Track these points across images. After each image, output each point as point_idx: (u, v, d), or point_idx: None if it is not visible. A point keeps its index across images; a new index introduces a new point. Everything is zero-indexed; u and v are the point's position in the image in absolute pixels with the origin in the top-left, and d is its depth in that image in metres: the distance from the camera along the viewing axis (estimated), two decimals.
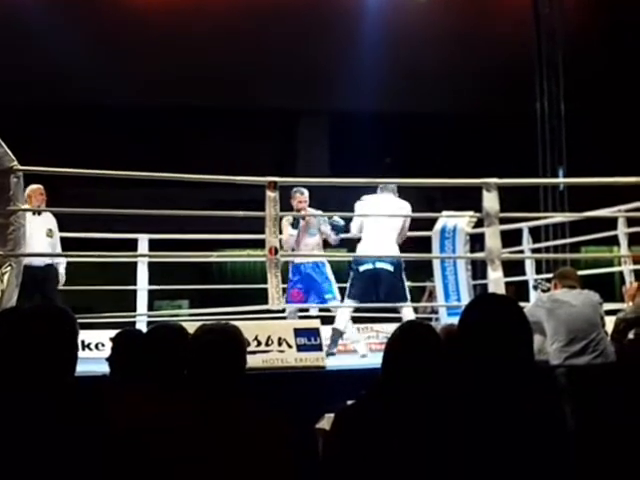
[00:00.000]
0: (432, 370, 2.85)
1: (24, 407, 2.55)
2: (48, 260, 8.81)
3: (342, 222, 8.62)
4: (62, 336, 2.70)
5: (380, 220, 8.44)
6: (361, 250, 8.52)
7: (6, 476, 2.47)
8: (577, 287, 6.60)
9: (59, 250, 8.96)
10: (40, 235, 8.58)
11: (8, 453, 2.47)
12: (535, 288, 8.13)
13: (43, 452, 2.49)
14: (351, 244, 11.31)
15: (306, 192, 8.67)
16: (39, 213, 8.55)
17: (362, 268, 8.34)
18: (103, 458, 2.57)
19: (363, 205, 8.51)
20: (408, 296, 8.52)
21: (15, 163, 6.51)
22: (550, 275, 8.95)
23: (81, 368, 2.85)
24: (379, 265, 8.29)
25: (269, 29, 14.74)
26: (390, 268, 8.32)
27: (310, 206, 8.76)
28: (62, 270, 9.05)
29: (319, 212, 8.77)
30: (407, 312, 8.51)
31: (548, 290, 7.23)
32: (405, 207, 8.62)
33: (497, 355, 2.55)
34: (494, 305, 2.71)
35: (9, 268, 6.47)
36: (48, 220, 8.82)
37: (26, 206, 7.86)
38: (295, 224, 8.81)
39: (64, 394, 2.63)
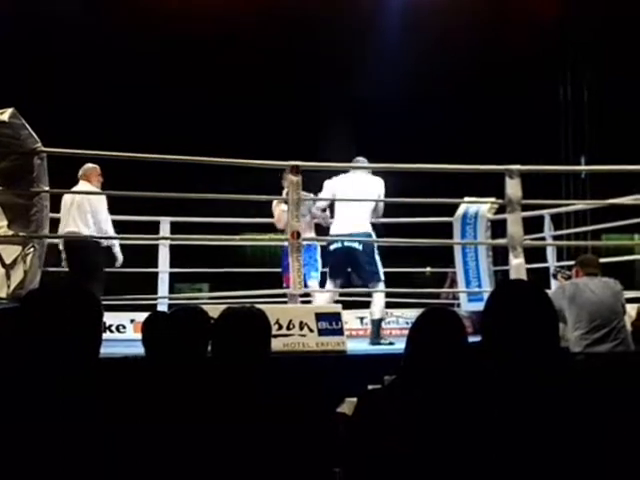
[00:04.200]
0: (456, 356, 2.85)
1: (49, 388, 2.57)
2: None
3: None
4: (87, 318, 2.71)
5: (349, 199, 8.39)
6: (334, 229, 8.44)
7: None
8: (598, 275, 6.59)
9: None
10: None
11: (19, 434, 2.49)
12: (554, 276, 8.08)
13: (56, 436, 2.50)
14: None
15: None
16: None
17: (332, 247, 8.34)
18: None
19: (333, 185, 8.47)
20: (381, 276, 8.37)
21: (39, 145, 6.54)
22: (571, 263, 8.94)
23: (102, 350, 2.86)
24: (347, 243, 8.24)
25: (293, 13, 14.68)
26: (359, 247, 8.26)
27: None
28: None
29: (310, 195, 8.64)
30: (377, 295, 8.47)
31: (569, 278, 7.21)
32: (378, 184, 8.51)
33: (522, 341, 2.55)
34: (520, 290, 2.70)
35: (32, 249, 6.50)
36: None
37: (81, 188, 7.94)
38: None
39: (88, 376, 2.65)
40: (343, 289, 8.65)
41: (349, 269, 8.41)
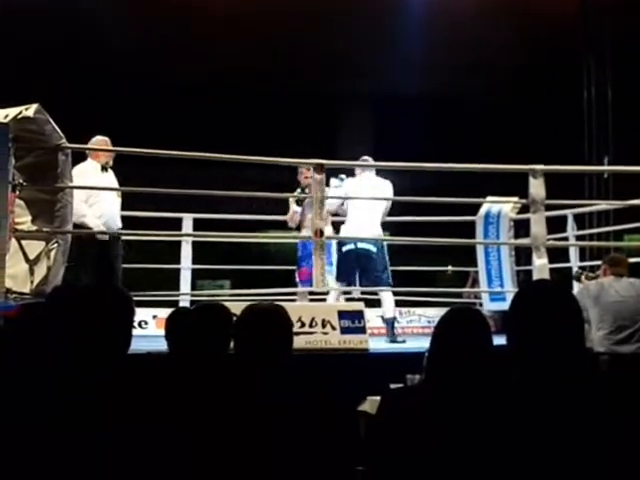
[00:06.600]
0: (481, 356, 2.83)
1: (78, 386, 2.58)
2: (120, 224, 8.14)
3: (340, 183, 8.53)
4: (119, 315, 2.73)
5: (363, 201, 8.40)
6: (345, 230, 8.44)
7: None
8: (625, 275, 6.56)
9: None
10: (112, 194, 8.02)
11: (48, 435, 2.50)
12: (577, 279, 8.02)
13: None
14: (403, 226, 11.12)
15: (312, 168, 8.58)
16: (106, 170, 7.95)
17: (345, 248, 8.30)
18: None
19: (345, 187, 8.44)
20: (390, 280, 8.36)
21: (63, 141, 6.55)
22: (593, 263, 8.87)
23: None
24: (360, 245, 8.24)
25: (310, 9, 14.65)
26: (373, 249, 8.25)
27: None
28: None
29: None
30: (386, 296, 8.42)
31: (594, 278, 7.16)
32: (387, 186, 8.52)
33: (548, 341, 2.53)
34: (546, 291, 2.68)
35: (56, 245, 6.52)
36: (115, 178, 8.13)
37: (95, 178, 7.85)
38: (300, 202, 8.72)
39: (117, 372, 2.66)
40: (357, 287, 8.63)
41: (358, 272, 8.38)
